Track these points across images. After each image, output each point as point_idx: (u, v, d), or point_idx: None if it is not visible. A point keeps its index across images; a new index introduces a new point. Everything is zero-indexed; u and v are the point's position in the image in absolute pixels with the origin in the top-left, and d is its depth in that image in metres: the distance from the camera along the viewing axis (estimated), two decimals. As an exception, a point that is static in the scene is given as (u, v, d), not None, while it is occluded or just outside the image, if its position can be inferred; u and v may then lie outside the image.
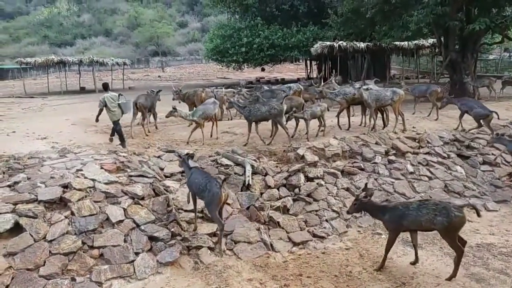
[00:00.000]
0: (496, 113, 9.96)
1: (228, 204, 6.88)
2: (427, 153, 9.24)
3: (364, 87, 10.42)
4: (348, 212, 6.17)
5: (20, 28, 73.50)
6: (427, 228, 5.35)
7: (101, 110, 9.53)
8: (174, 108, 9.86)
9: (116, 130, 9.62)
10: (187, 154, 6.95)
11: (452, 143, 9.72)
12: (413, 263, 5.72)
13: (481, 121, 10.01)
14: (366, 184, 6.50)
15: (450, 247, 5.34)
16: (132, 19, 72.17)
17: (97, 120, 9.83)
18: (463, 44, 16.84)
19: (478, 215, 5.47)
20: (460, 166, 9.01)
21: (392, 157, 8.88)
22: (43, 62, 29.21)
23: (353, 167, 8.39)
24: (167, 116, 10.12)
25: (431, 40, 23.87)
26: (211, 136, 10.52)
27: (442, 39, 17.35)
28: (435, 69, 26.25)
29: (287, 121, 9.95)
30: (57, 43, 68.01)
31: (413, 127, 10.67)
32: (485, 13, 15.44)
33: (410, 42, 24.07)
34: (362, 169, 8.41)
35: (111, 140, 9.89)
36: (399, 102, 9.94)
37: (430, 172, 8.66)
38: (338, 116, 10.61)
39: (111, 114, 9.51)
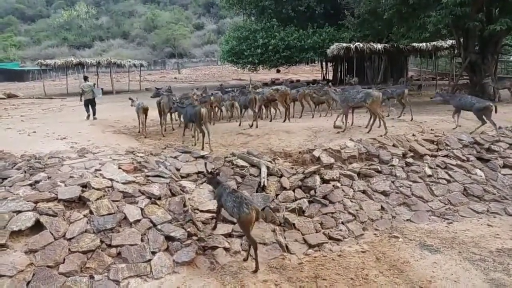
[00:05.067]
0: (495, 105, 10.05)
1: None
2: (446, 155, 9.09)
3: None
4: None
5: (40, 31, 75.44)
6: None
7: (82, 94, 14.91)
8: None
9: (91, 105, 14.86)
10: (212, 172, 6.69)
11: (472, 145, 9.52)
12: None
13: (483, 116, 9.97)
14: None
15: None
16: (149, 22, 73.26)
17: (80, 100, 15.04)
18: (483, 45, 16.51)
19: None
20: (480, 169, 8.81)
21: (410, 160, 8.76)
22: (63, 64, 29.93)
23: (369, 169, 8.31)
24: None
25: (449, 41, 23.47)
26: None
27: (461, 40, 17.05)
28: (454, 71, 25.81)
29: None
30: (76, 45, 69.48)
31: (431, 130, 10.51)
32: (507, 14, 15.09)
33: (428, 43, 23.71)
34: (379, 172, 8.32)
35: (88, 117, 14.61)
36: (375, 104, 9.85)
37: (449, 175, 8.51)
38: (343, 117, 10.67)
39: (88, 95, 14.80)
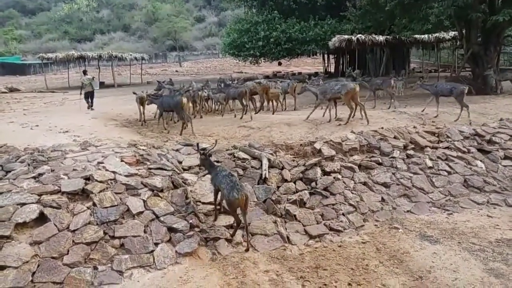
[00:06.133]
0: (470, 87, 10.85)
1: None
2: (447, 147, 9.11)
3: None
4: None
5: (41, 24, 75.20)
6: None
7: (82, 87, 15.67)
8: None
9: (91, 97, 15.71)
10: (204, 149, 6.93)
11: (473, 137, 9.53)
12: None
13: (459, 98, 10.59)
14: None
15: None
16: (150, 14, 72.90)
17: (80, 93, 15.65)
18: (486, 36, 16.40)
19: None
20: (481, 161, 8.84)
21: (411, 152, 8.80)
22: (64, 57, 29.93)
23: (370, 161, 8.35)
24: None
25: (452, 33, 23.32)
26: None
27: (463, 31, 16.95)
28: (456, 63, 25.68)
29: None
30: (77, 39, 69.29)
31: (433, 122, 10.52)
32: (510, 5, 14.97)
33: (430, 35, 23.55)
34: (380, 164, 8.36)
35: (88, 107, 15.49)
36: (350, 95, 10.12)
37: (450, 166, 8.54)
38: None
39: (88, 88, 15.61)
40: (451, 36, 24.31)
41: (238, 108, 13.23)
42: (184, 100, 10.58)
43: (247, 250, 5.98)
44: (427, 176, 8.24)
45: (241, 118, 11.98)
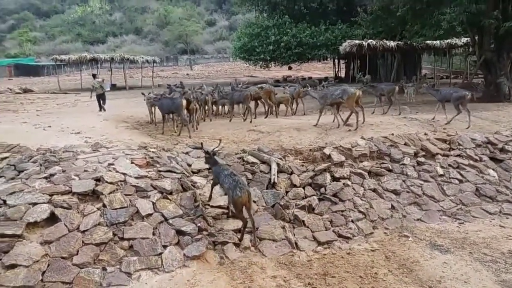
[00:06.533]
0: (472, 94, 10.87)
1: (254, 202, 6.99)
2: (458, 155, 9.01)
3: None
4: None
5: (55, 26, 76.33)
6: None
7: (92, 90, 16.16)
8: None
9: (102, 100, 15.92)
10: (209, 151, 7.05)
11: (485, 145, 9.41)
12: None
13: (460, 105, 10.65)
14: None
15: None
16: (162, 18, 73.55)
17: (91, 96, 16.61)
18: (499, 43, 16.21)
19: None
20: (493, 169, 8.72)
21: (422, 159, 8.71)
22: (77, 59, 30.35)
23: (380, 168, 8.29)
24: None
25: (464, 39, 23.13)
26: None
27: (476, 38, 16.79)
28: (468, 69, 25.42)
29: None
30: (90, 41, 70.12)
31: (444, 129, 10.41)
32: (524, 11, 14.84)
33: (442, 41, 23.40)
34: (390, 170, 8.29)
35: (100, 110, 15.55)
36: (353, 100, 10.23)
37: (461, 175, 8.44)
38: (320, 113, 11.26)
39: (99, 91, 15.81)
40: (463, 42, 24.11)
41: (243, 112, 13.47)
42: (184, 102, 10.72)
43: (253, 245, 6.07)
44: (438, 184, 8.15)
45: (250, 121, 12.08)
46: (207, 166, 7.56)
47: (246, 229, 6.23)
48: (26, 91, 27.51)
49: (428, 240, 6.50)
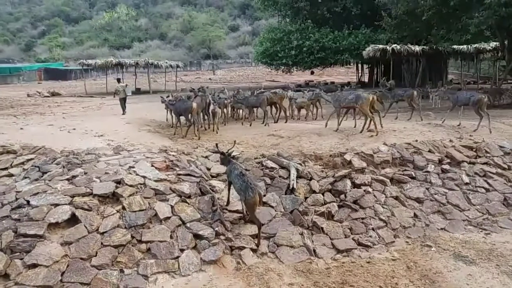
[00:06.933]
0: (489, 96, 10.80)
1: (272, 207, 6.95)
2: (485, 163, 8.67)
3: None
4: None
5: (83, 32, 78.80)
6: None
7: (116, 93, 16.34)
8: None
9: (124, 103, 16.10)
10: (223, 152, 7.11)
11: (514, 153, 9.04)
12: None
13: (479, 109, 10.45)
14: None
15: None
16: (186, 23, 74.74)
17: (114, 96, 16.93)
18: (530, 47, 15.67)
19: None
20: (523, 178, 8.36)
21: (446, 166, 8.43)
22: (103, 64, 31.14)
23: (403, 175, 8.07)
24: None
25: (493, 43, 22.40)
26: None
27: (505, 42, 16.24)
28: (497, 74, 24.61)
29: None
30: (116, 46, 71.94)
31: (470, 135, 10.07)
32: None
33: (469, 46, 22.74)
34: (413, 178, 8.06)
35: (123, 113, 15.75)
36: (367, 105, 10.10)
37: (488, 183, 8.12)
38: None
39: (122, 94, 16.06)
40: (492, 47, 23.33)
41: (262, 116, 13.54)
42: (194, 105, 11.09)
43: (257, 245, 6.16)
44: (463, 193, 7.87)
45: (265, 125, 12.34)
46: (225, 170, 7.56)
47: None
48: (54, 94, 28.41)
49: (452, 251, 6.26)
